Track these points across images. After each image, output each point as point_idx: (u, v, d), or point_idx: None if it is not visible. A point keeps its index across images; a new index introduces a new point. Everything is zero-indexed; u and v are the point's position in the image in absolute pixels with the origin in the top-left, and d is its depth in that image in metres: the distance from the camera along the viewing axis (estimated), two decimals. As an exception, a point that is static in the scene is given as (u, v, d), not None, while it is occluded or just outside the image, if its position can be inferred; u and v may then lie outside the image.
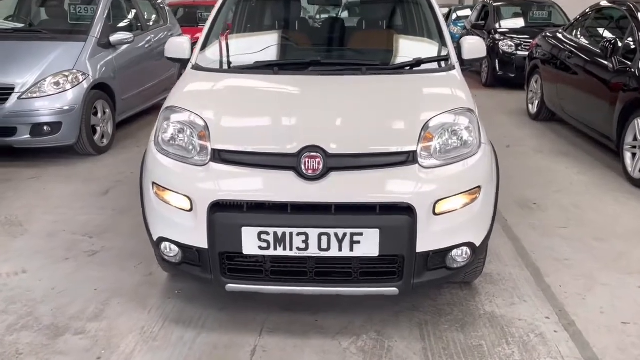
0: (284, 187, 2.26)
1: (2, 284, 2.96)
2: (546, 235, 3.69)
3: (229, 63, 3.08)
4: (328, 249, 2.24)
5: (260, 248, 2.25)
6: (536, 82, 7.44)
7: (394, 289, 2.34)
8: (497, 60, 10.14)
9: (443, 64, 3.05)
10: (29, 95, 5.07)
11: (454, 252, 2.42)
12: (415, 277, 2.34)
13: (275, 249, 2.25)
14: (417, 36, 3.48)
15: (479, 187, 2.43)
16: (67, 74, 5.28)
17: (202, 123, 2.43)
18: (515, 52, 9.99)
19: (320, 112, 2.52)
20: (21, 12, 6.68)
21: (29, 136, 5.04)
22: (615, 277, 3.11)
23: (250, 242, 2.25)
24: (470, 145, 2.46)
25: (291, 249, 2.24)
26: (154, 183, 2.45)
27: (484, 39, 10.95)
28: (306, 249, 2.24)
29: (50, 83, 5.18)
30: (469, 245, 2.45)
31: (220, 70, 2.99)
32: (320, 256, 2.26)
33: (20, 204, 4.11)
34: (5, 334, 2.53)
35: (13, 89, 5.03)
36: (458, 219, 2.38)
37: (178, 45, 3.26)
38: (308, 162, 2.26)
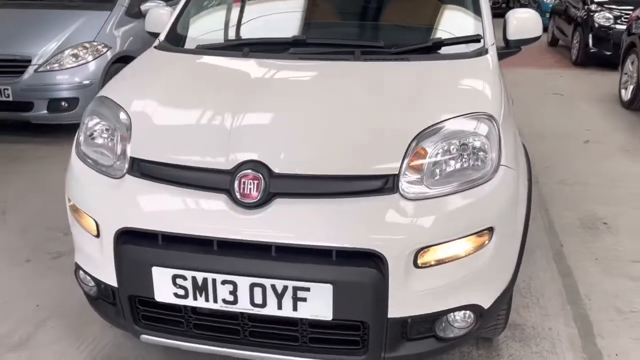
0: (210, 216, 1.66)
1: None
2: (612, 272, 2.83)
3: (198, 41, 2.46)
4: (263, 305, 1.63)
5: (177, 296, 1.68)
6: (632, 63, 6.25)
7: (356, 363, 1.70)
8: (590, 35, 8.81)
9: (472, 46, 2.28)
10: (47, 67, 4.78)
11: (448, 317, 1.74)
12: (387, 350, 1.67)
13: (195, 298, 1.67)
14: (444, 7, 2.67)
15: (490, 228, 1.69)
16: (87, 45, 4.94)
17: (126, 121, 1.87)
18: (613, 25, 8.62)
19: (273, 115, 1.87)
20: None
21: (46, 112, 4.78)
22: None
23: (164, 286, 1.67)
24: (482, 168, 1.72)
25: (215, 301, 1.65)
26: (68, 197, 1.94)
27: (577, 9, 9.67)
28: (235, 302, 1.64)
29: (68, 55, 4.86)
30: (472, 308, 1.74)
31: (182, 50, 2.39)
32: (253, 313, 1.67)
33: (14, 188, 3.82)
34: None
35: (30, 60, 4.75)
36: (455, 274, 1.67)
37: (158, 17, 2.71)
38: (244, 183, 1.65)
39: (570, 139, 5.06)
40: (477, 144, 1.74)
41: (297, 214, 1.62)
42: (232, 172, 1.66)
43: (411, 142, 1.70)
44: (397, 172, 1.65)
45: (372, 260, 1.58)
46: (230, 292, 1.63)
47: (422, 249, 1.60)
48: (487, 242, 1.70)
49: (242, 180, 1.64)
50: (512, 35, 2.50)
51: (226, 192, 1.65)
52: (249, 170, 1.64)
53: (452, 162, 1.71)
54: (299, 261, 1.59)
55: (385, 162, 1.67)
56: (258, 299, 1.62)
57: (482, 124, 1.78)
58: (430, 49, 2.23)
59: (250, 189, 1.63)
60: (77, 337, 2.28)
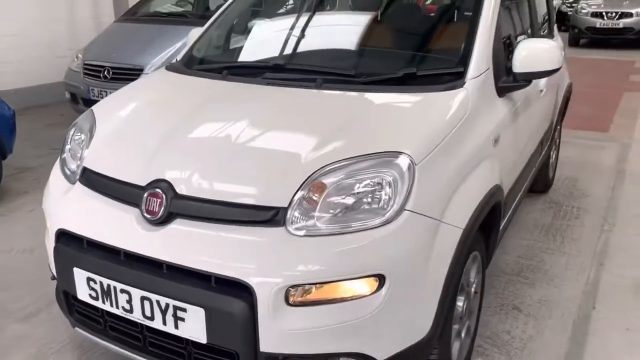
0: (122, 228, 1.79)
1: None
2: (638, 347, 2.41)
3: (199, 62, 2.61)
4: (152, 318, 1.71)
5: (91, 297, 1.83)
6: None
7: (231, 394, 1.70)
8: None
9: (451, 77, 2.11)
10: (155, 76, 5.40)
11: (333, 361, 1.66)
12: (263, 386, 1.66)
13: (103, 302, 1.81)
14: (434, 31, 2.48)
15: (379, 276, 1.59)
16: (190, 57, 5.48)
17: (89, 132, 2.10)
18: None
19: (194, 138, 1.93)
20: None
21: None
22: None
23: (82, 287, 1.84)
24: (381, 211, 1.62)
25: (117, 307, 1.78)
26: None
27: None
28: (131, 311, 1.75)
29: (173, 66, 5.42)
30: (360, 357, 1.64)
31: (181, 70, 2.55)
32: (146, 325, 1.76)
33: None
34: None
35: (142, 69, 5.40)
36: (334, 317, 1.58)
37: (190, 37, 2.96)
38: (149, 200, 1.75)
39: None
40: (381, 184, 1.64)
41: (187, 236, 1.69)
42: (144, 189, 1.78)
43: (310, 176, 1.66)
44: (286, 206, 1.63)
45: (244, 291, 1.58)
46: (127, 301, 1.75)
47: (295, 286, 1.56)
48: (376, 289, 1.60)
49: (149, 197, 1.75)
50: (518, 67, 2.26)
51: (138, 206, 1.78)
52: (157, 189, 1.75)
53: (350, 201, 1.64)
54: (179, 282, 1.66)
55: (278, 194, 1.65)
56: (147, 312, 1.72)
57: (392, 165, 1.67)
58: (399, 80, 2.12)
59: (154, 206, 1.73)
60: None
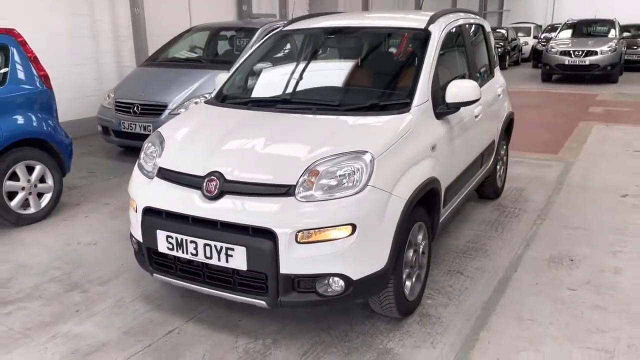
0: (189, 203, 2.81)
1: None
2: (540, 293, 3.41)
3: (225, 98, 3.72)
4: (211, 257, 2.72)
5: (168, 248, 2.85)
6: None
7: (262, 302, 2.69)
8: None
9: (401, 106, 3.18)
10: (178, 111, 6.45)
11: (324, 280, 2.65)
12: (282, 295, 2.65)
13: (177, 251, 2.82)
14: (394, 75, 3.62)
15: (351, 224, 2.61)
16: (207, 96, 6.54)
17: (162, 145, 3.14)
18: None
19: (235, 145, 2.98)
20: (209, 46, 8.30)
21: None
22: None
23: (162, 242, 2.86)
24: (352, 188, 2.65)
25: (186, 253, 2.79)
26: (128, 191, 3.24)
27: None
28: (196, 255, 2.76)
29: (193, 102, 6.51)
30: (342, 277, 2.64)
31: (217, 104, 3.64)
32: (206, 263, 2.76)
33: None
34: None
35: (166, 106, 6.49)
36: (325, 250, 2.60)
37: (218, 81, 4.04)
38: (209, 184, 2.78)
39: (612, 192, 5.38)
40: (354, 170, 2.69)
41: (234, 204, 2.71)
42: (204, 177, 2.81)
43: (309, 165, 2.70)
44: (295, 184, 2.67)
45: (270, 235, 2.60)
46: (194, 248, 2.75)
47: (301, 231, 2.58)
48: (350, 233, 2.61)
49: (208, 182, 2.78)
50: (449, 99, 3.34)
51: (200, 189, 2.80)
52: (212, 177, 2.78)
53: (335, 180, 2.68)
54: (230, 232, 2.68)
55: (289, 177, 2.70)
56: (208, 254, 2.72)
57: (361, 158, 2.72)
58: (367, 108, 3.19)
59: (210, 188, 2.76)
60: (136, 283, 3.57)
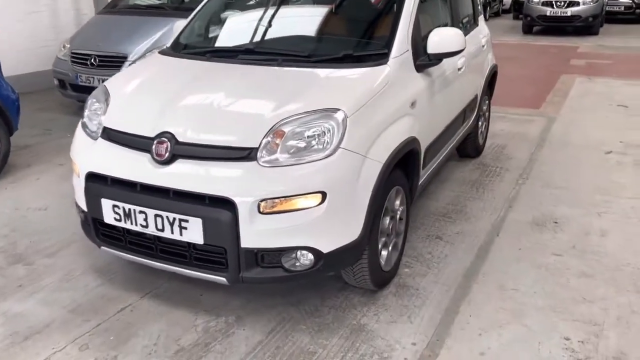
0: (138, 168, 2.48)
1: None
2: (523, 259, 3.21)
3: (183, 47, 3.32)
4: (163, 229, 2.41)
5: (115, 219, 2.53)
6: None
7: (222, 278, 2.41)
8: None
9: (379, 57, 2.85)
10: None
11: (291, 254, 2.39)
12: (244, 271, 2.38)
13: (125, 222, 2.50)
14: (369, 23, 3.25)
15: (322, 192, 2.32)
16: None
17: (107, 102, 2.77)
18: None
19: (189, 101, 2.63)
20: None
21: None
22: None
23: (108, 212, 2.53)
24: (322, 151, 2.35)
25: (135, 225, 2.47)
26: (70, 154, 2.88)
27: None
28: (146, 226, 2.45)
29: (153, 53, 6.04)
30: (310, 250, 2.37)
31: (173, 54, 3.24)
32: (158, 235, 2.46)
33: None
34: None
35: (126, 57, 6.01)
36: (291, 221, 2.32)
37: (176, 29, 3.62)
38: (159, 147, 2.44)
39: (595, 148, 5.19)
40: (324, 131, 2.37)
41: (187, 170, 2.39)
42: (153, 139, 2.47)
43: (273, 125, 2.38)
44: (257, 146, 2.35)
45: (229, 205, 2.30)
46: (144, 219, 2.44)
47: (264, 200, 2.28)
48: (320, 202, 2.33)
49: (157, 145, 2.44)
50: (431, 49, 3.02)
51: (149, 152, 2.47)
52: (163, 138, 2.44)
53: (302, 143, 2.37)
54: (184, 201, 2.37)
55: (251, 139, 2.37)
56: (159, 225, 2.42)
57: (332, 118, 2.40)
58: (339, 59, 2.85)
59: (161, 151, 2.43)
60: (88, 253, 3.26)
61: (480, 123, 4.81)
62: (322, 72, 2.77)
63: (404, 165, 2.93)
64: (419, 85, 3.05)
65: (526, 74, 9.01)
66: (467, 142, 4.67)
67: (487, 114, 5.05)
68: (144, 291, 2.88)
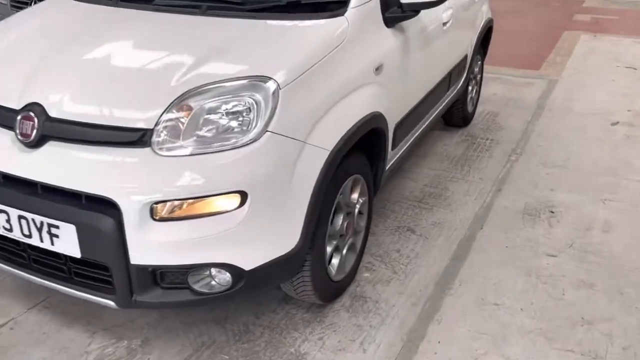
0: (-1, 150, 1.86)
1: None
2: (510, 262, 2.63)
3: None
4: (30, 236, 1.81)
5: (-28, 218, 1.92)
6: None
7: (110, 301, 1.82)
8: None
9: (334, 6, 2.17)
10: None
11: (201, 272, 1.79)
12: (138, 293, 1.79)
13: (-16, 222, 1.90)
14: None
15: (241, 192, 1.71)
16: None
17: None
18: None
19: (68, 62, 1.97)
20: None
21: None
22: None
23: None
24: (243, 133, 1.72)
25: (-3, 227, 1.87)
26: None
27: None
28: (10, 230, 1.84)
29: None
30: (227, 267, 1.78)
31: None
32: (27, 243, 1.85)
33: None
34: None
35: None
36: (200, 231, 1.71)
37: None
38: (24, 123, 1.80)
39: (601, 118, 4.55)
40: (245, 107, 1.74)
41: (59, 157, 1.76)
42: (18, 112, 1.82)
43: (177, 98, 1.74)
44: (152, 127, 1.71)
45: (112, 208, 1.68)
46: (6, 221, 1.83)
47: (160, 202, 1.67)
48: (239, 205, 1.72)
49: (22, 120, 1.80)
50: (407, -2, 2.34)
51: (13, 130, 1.83)
52: (30, 112, 1.80)
53: (215, 123, 1.73)
54: (52, 200, 1.75)
55: (144, 116, 1.73)
56: (25, 230, 1.81)
57: (258, 89, 1.76)
58: (282, 8, 2.17)
59: (27, 129, 1.79)
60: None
61: (470, 88, 4.15)
62: (256, 25, 2.09)
63: (366, 148, 2.32)
64: (389, 45, 2.38)
65: (525, 30, 8.22)
66: (453, 110, 4.02)
67: (479, 76, 4.38)
68: (33, 301, 2.30)
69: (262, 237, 1.81)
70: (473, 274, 2.55)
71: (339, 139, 1.97)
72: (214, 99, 1.74)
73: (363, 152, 2.31)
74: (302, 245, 1.91)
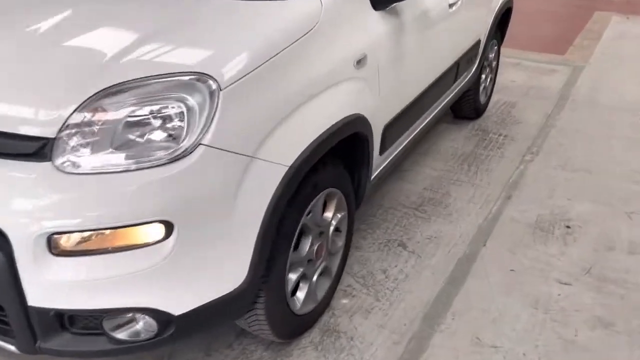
0: None
1: None
2: (515, 291, 2.24)
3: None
4: None
5: None
6: None
7: (11, 346, 1.49)
8: None
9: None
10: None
11: (120, 317, 1.45)
12: (42, 339, 1.45)
13: None
14: None
15: (163, 222, 1.35)
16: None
17: None
18: None
19: None
20: None
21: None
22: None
23: None
24: (170, 147, 1.35)
25: None
26: None
27: None
28: None
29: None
30: (150, 313, 1.43)
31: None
32: None
33: None
34: None
35: None
36: (111, 268, 1.36)
37: None
38: None
39: (631, 113, 4.08)
40: (174, 113, 1.36)
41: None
42: None
43: (86, 100, 1.36)
44: (53, 136, 1.35)
45: (1, 238, 1.34)
46: None
47: (60, 233, 1.32)
48: (163, 237, 1.36)
49: None
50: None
51: None
52: None
53: (135, 132, 1.36)
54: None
55: (44, 121, 1.36)
56: None
57: (191, 89, 1.38)
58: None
59: None
60: None
61: (484, 76, 3.71)
62: (199, 4, 1.70)
63: (345, 155, 1.94)
64: (376, 31, 1.97)
65: (550, 9, 7.62)
66: (463, 101, 3.59)
67: (494, 63, 3.92)
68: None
69: (195, 275, 1.45)
70: (470, 304, 2.17)
71: (302, 150, 1.58)
72: (134, 101, 1.37)
73: (342, 159, 1.94)
74: (251, 281, 1.55)
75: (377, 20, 1.98)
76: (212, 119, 1.38)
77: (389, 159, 2.36)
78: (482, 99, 3.82)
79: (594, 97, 4.37)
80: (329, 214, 1.93)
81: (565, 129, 3.79)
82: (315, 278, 1.94)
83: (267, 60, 1.51)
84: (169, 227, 1.36)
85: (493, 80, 4.03)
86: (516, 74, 4.84)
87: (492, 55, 3.79)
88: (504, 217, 2.75)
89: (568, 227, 2.68)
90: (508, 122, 3.87)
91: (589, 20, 6.95)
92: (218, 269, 1.48)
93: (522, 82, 4.66)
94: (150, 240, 1.36)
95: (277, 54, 1.54)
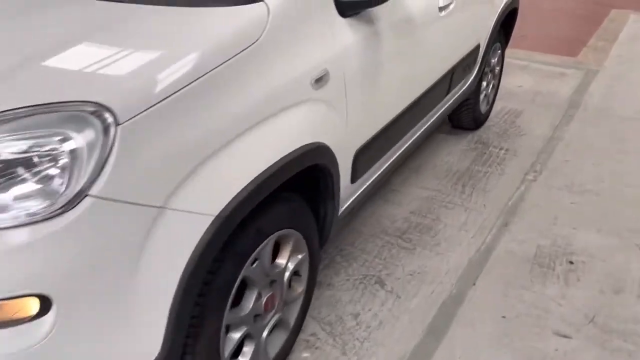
0: None
1: None
2: (506, 342, 1.93)
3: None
4: None
5: None
6: None
7: None
8: None
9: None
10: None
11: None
12: None
13: None
14: None
15: (38, 295, 1.05)
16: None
17: None
18: None
19: None
20: None
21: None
22: None
23: None
24: (48, 197, 1.05)
25: None
26: None
27: None
28: None
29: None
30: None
31: None
32: None
33: None
34: None
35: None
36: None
37: None
38: None
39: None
40: (50, 155, 1.06)
41: None
42: None
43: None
44: None
45: None
46: None
47: None
48: (38, 313, 1.07)
49: None
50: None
51: None
52: None
53: (8, 178, 1.07)
54: None
55: None
56: None
57: (76, 125, 1.07)
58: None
59: None
60: None
61: (485, 83, 3.37)
62: (122, 13, 1.39)
63: (303, 187, 1.64)
64: (342, 42, 1.65)
65: (563, 6, 7.22)
66: (461, 111, 3.27)
67: (497, 68, 3.59)
68: None
69: (89, 356, 1.16)
70: (451, 360, 1.87)
71: (235, 194, 1.28)
72: (7, 137, 1.08)
73: (301, 192, 1.63)
74: (168, 355, 1.26)
75: (344, 29, 1.66)
76: (105, 161, 1.08)
77: (365, 187, 2.05)
78: (483, 108, 3.49)
79: (607, 106, 4.01)
80: (282, 260, 1.63)
81: (573, 142, 3.44)
82: (265, 334, 1.64)
83: (185, 86, 1.20)
84: (46, 303, 1.07)
85: (496, 87, 3.69)
86: (523, 77, 4.49)
87: (494, 60, 3.45)
88: (499, 249, 2.43)
89: (571, 262, 2.36)
90: (511, 134, 3.54)
91: (606, 19, 6.55)
92: (119, 344, 1.19)
93: (529, 87, 4.31)
94: (23, 316, 1.07)
95: (200, 77, 1.23)
